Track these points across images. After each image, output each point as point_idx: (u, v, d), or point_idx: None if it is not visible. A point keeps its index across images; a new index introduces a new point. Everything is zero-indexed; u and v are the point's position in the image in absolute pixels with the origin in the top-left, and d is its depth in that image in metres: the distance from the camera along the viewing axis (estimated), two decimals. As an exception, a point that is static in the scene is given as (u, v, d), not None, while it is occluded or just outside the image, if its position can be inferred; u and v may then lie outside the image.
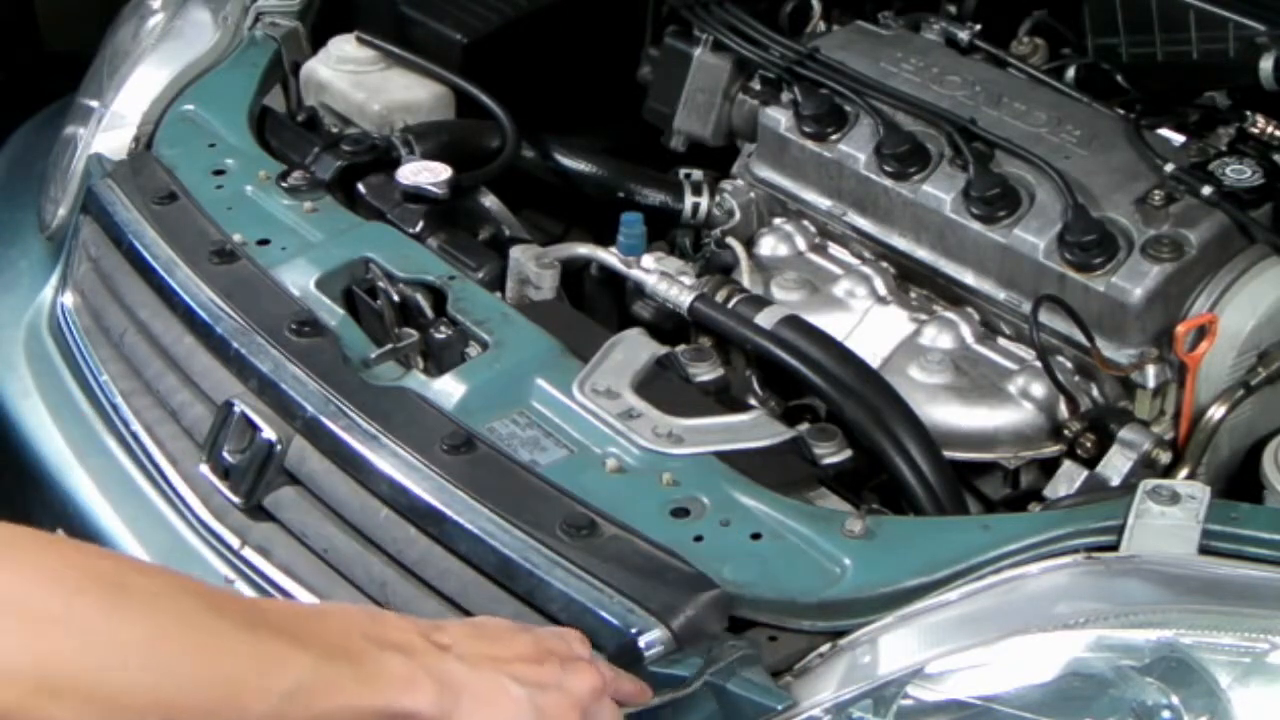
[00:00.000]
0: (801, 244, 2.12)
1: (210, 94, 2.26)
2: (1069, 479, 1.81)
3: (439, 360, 1.82)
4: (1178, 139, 2.04)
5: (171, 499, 1.89)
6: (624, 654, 1.48)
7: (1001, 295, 1.96)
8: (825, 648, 1.51)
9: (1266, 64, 2.02)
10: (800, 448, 1.72)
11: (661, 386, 1.77)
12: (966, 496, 1.79)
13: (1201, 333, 1.83)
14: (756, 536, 1.57)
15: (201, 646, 1.08)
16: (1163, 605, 1.47)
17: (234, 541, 1.81)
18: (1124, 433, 1.80)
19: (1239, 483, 1.84)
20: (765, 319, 1.89)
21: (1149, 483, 1.57)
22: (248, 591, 1.79)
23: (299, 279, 1.91)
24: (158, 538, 1.89)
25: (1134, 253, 1.87)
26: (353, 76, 2.32)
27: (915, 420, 1.77)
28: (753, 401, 1.86)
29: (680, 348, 1.84)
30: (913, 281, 2.05)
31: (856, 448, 1.74)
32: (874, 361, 1.90)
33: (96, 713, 1.04)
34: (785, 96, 2.17)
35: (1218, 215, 1.89)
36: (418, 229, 2.02)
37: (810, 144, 2.12)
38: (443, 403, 1.73)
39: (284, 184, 2.06)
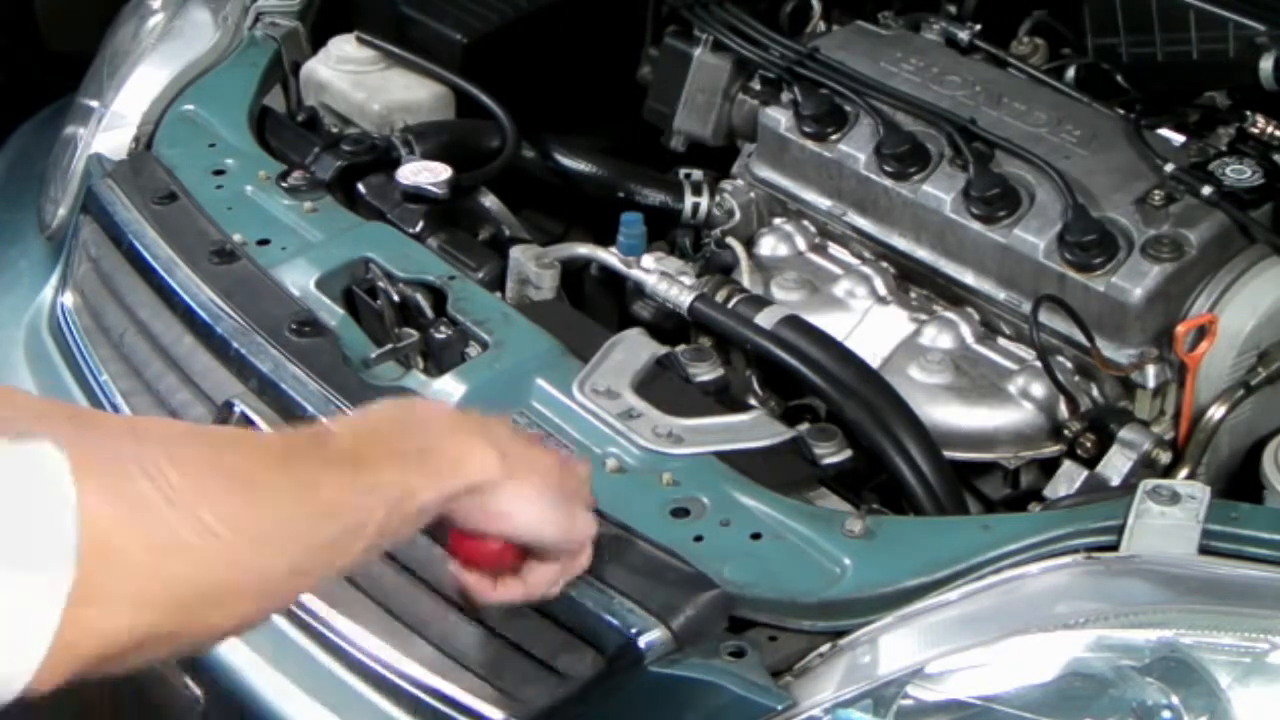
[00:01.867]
0: (801, 244, 2.12)
1: (210, 94, 2.26)
2: (1069, 479, 1.81)
3: (439, 360, 1.82)
4: (1178, 139, 2.04)
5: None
6: (624, 654, 1.48)
7: (1001, 295, 1.96)
8: (825, 648, 1.51)
9: (1266, 64, 2.02)
10: (800, 448, 1.72)
11: (661, 386, 1.77)
12: (966, 496, 1.79)
13: (1201, 333, 1.83)
14: (756, 536, 1.57)
15: (323, 508, 1.15)
16: (1163, 605, 1.47)
17: (234, 541, 1.81)
18: (1124, 433, 1.80)
19: (1239, 483, 1.83)
20: (765, 319, 1.89)
21: (1149, 483, 1.56)
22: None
23: (299, 279, 1.91)
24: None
25: (1134, 253, 1.87)
26: (353, 76, 2.32)
27: (915, 420, 1.77)
28: (753, 401, 1.86)
29: (680, 348, 1.84)
30: (913, 281, 2.05)
31: (856, 448, 1.74)
32: (874, 361, 1.90)
33: (252, 602, 1.11)
34: (785, 96, 2.17)
35: (1218, 215, 1.89)
36: (418, 229, 2.02)
37: (810, 144, 2.12)
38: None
39: (284, 184, 2.06)
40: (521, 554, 1.39)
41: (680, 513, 1.60)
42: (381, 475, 1.20)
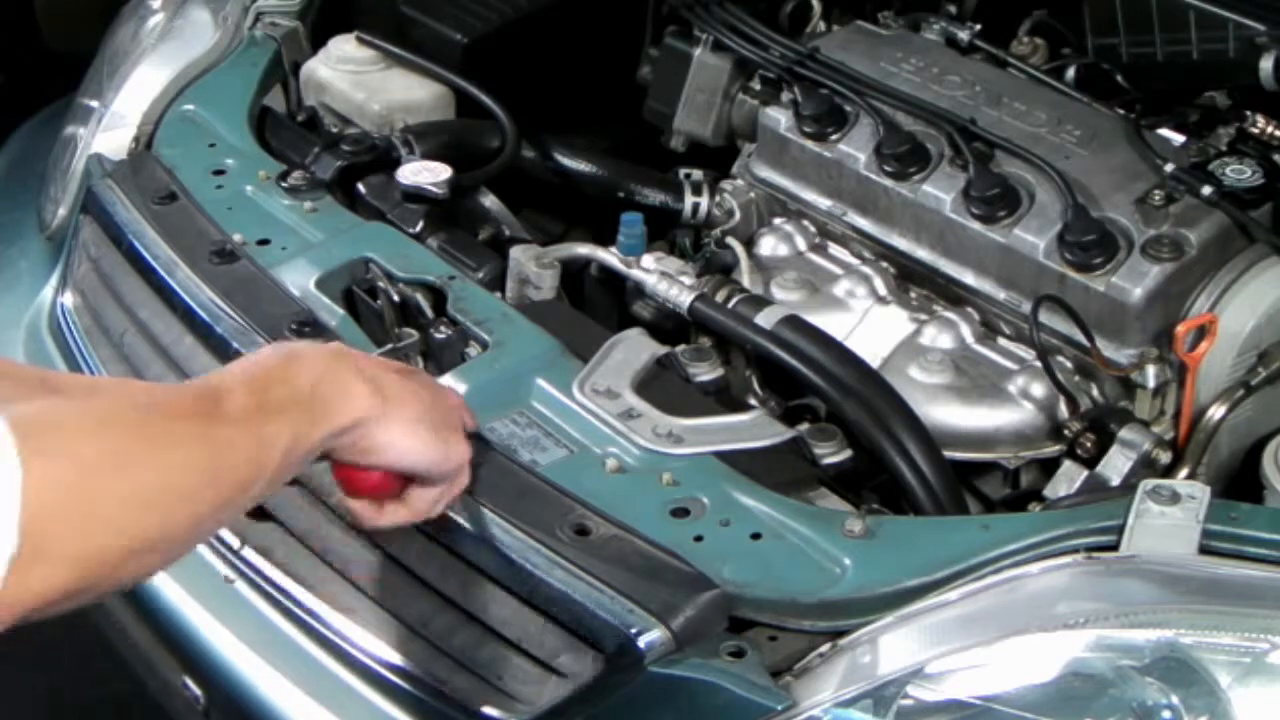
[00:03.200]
0: (801, 244, 2.12)
1: (210, 94, 2.26)
2: (1069, 479, 1.81)
3: (439, 360, 1.82)
4: (1178, 139, 2.04)
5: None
6: (624, 654, 1.48)
7: (1001, 295, 1.96)
8: (825, 648, 1.51)
9: (1266, 64, 2.02)
10: (800, 448, 1.72)
11: (661, 386, 1.77)
12: (966, 496, 1.79)
13: (1201, 333, 1.83)
14: (756, 536, 1.57)
15: (226, 464, 1.24)
16: (1163, 605, 1.47)
17: (234, 541, 1.81)
18: (1124, 433, 1.80)
19: (1239, 483, 1.83)
20: (765, 319, 1.89)
21: (1149, 483, 1.56)
22: (249, 593, 1.79)
23: (299, 279, 1.91)
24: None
25: (1134, 253, 1.87)
26: (353, 76, 2.32)
27: (915, 420, 1.77)
28: (753, 401, 1.86)
29: (680, 348, 1.84)
30: (913, 281, 2.05)
31: (856, 448, 1.74)
32: (874, 361, 1.90)
33: (162, 551, 1.20)
34: (785, 96, 2.17)
35: (1218, 215, 1.89)
36: (418, 229, 2.02)
37: (810, 144, 2.12)
38: (443, 403, 1.73)
39: (284, 184, 2.06)
40: (403, 480, 1.48)
41: (680, 513, 1.60)
42: (277, 426, 1.29)
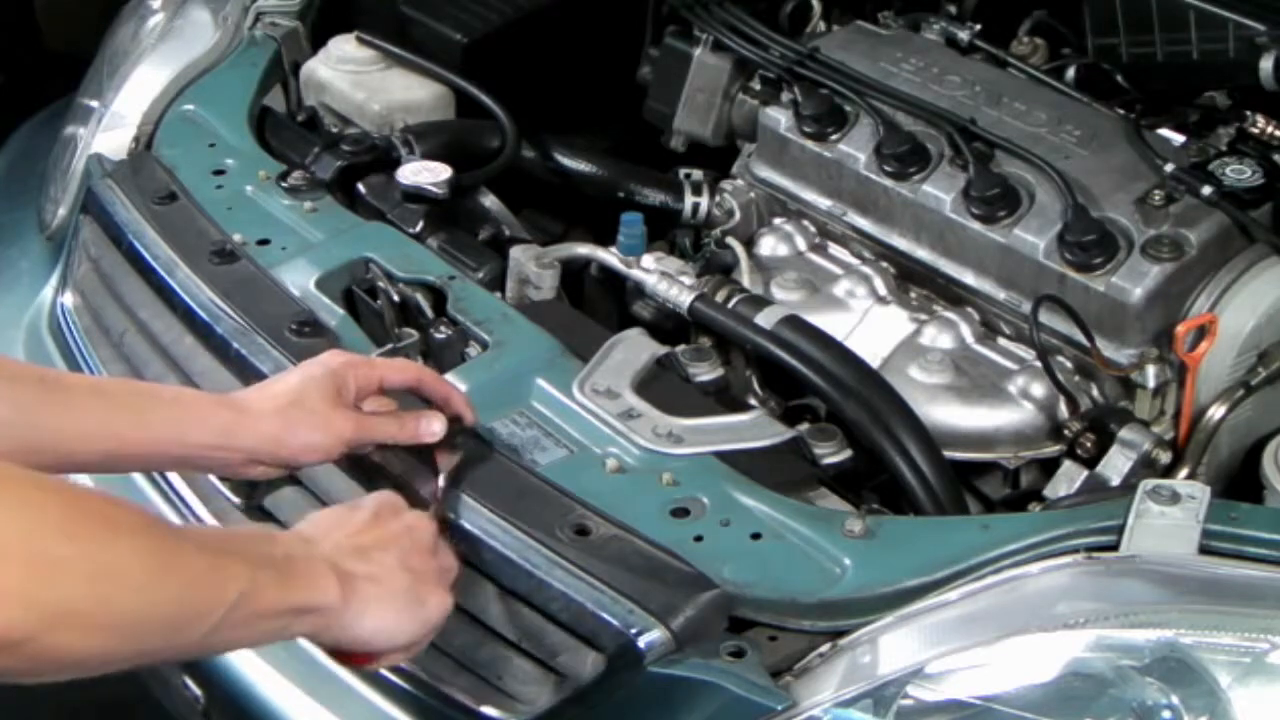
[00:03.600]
0: (801, 244, 2.12)
1: (210, 94, 2.26)
2: (1069, 479, 1.81)
3: (439, 360, 1.82)
4: (1178, 139, 2.04)
5: (172, 500, 1.89)
6: (624, 654, 1.48)
7: (1001, 295, 1.96)
8: (825, 648, 1.51)
9: (1266, 64, 2.02)
10: (800, 448, 1.72)
11: (661, 386, 1.77)
12: (966, 496, 1.79)
13: (1201, 333, 1.83)
14: (756, 536, 1.57)
15: (176, 568, 1.20)
16: (1163, 605, 1.47)
17: (234, 541, 1.81)
18: (1124, 433, 1.80)
19: (1239, 483, 1.83)
20: (765, 319, 1.89)
21: (1149, 483, 1.56)
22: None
23: (299, 279, 1.91)
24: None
25: (1134, 253, 1.87)
26: (353, 76, 2.32)
27: (915, 420, 1.77)
28: (753, 401, 1.86)
29: (680, 348, 1.84)
30: (913, 281, 2.05)
31: (856, 448, 1.74)
32: (874, 361, 1.90)
33: (100, 637, 1.16)
34: (785, 96, 2.17)
35: (1218, 215, 1.89)
36: (418, 229, 2.02)
37: (810, 144, 2.12)
38: (443, 403, 1.73)
39: (284, 184, 2.06)
40: None
41: (680, 513, 1.60)
42: (238, 567, 1.25)
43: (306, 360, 1.58)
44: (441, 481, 1.59)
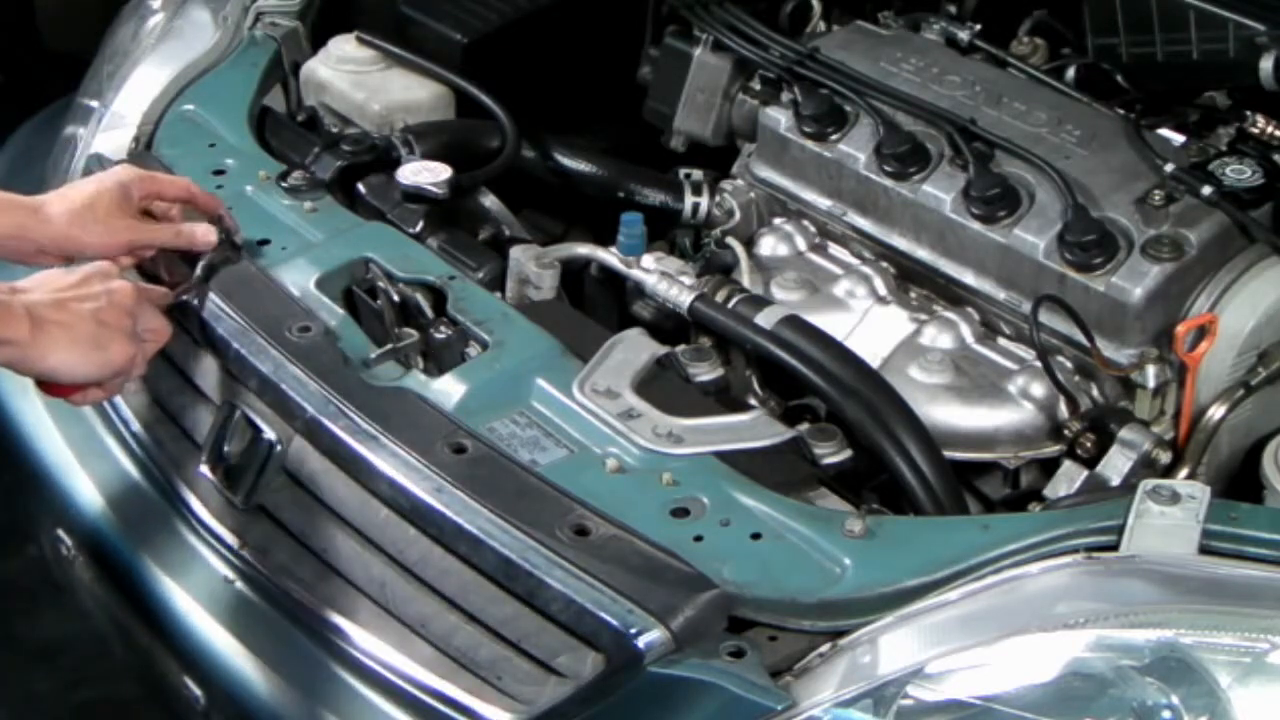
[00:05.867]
0: (801, 244, 2.12)
1: (210, 94, 2.26)
2: (1069, 479, 1.81)
3: (439, 360, 1.82)
4: (1178, 139, 2.04)
5: (172, 499, 1.89)
6: (624, 654, 1.48)
7: (1001, 295, 1.96)
8: (825, 648, 1.51)
9: (1266, 64, 2.02)
10: (800, 448, 1.72)
11: (661, 386, 1.77)
12: (966, 496, 1.79)
13: (1201, 333, 1.83)
14: (756, 536, 1.57)
15: None
16: (1163, 605, 1.47)
17: (234, 541, 1.81)
18: (1124, 433, 1.80)
19: (1239, 483, 1.84)
20: (765, 319, 1.89)
21: (1149, 483, 1.57)
22: (249, 593, 1.80)
23: (299, 279, 1.91)
24: (158, 538, 1.90)
25: (1134, 253, 1.87)
26: (353, 76, 2.32)
27: (915, 420, 1.77)
28: (753, 401, 1.86)
29: (680, 348, 1.84)
30: (913, 281, 2.05)
31: (856, 448, 1.74)
32: (874, 361, 1.90)
33: None
34: (785, 96, 2.17)
35: (1218, 215, 1.89)
36: (418, 229, 2.02)
37: (810, 144, 2.12)
38: (443, 403, 1.73)
39: (284, 184, 2.06)
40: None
41: (680, 513, 1.60)
42: None
43: (101, 171, 1.84)
44: (199, 271, 1.87)
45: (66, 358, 1.66)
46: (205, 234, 1.88)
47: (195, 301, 1.85)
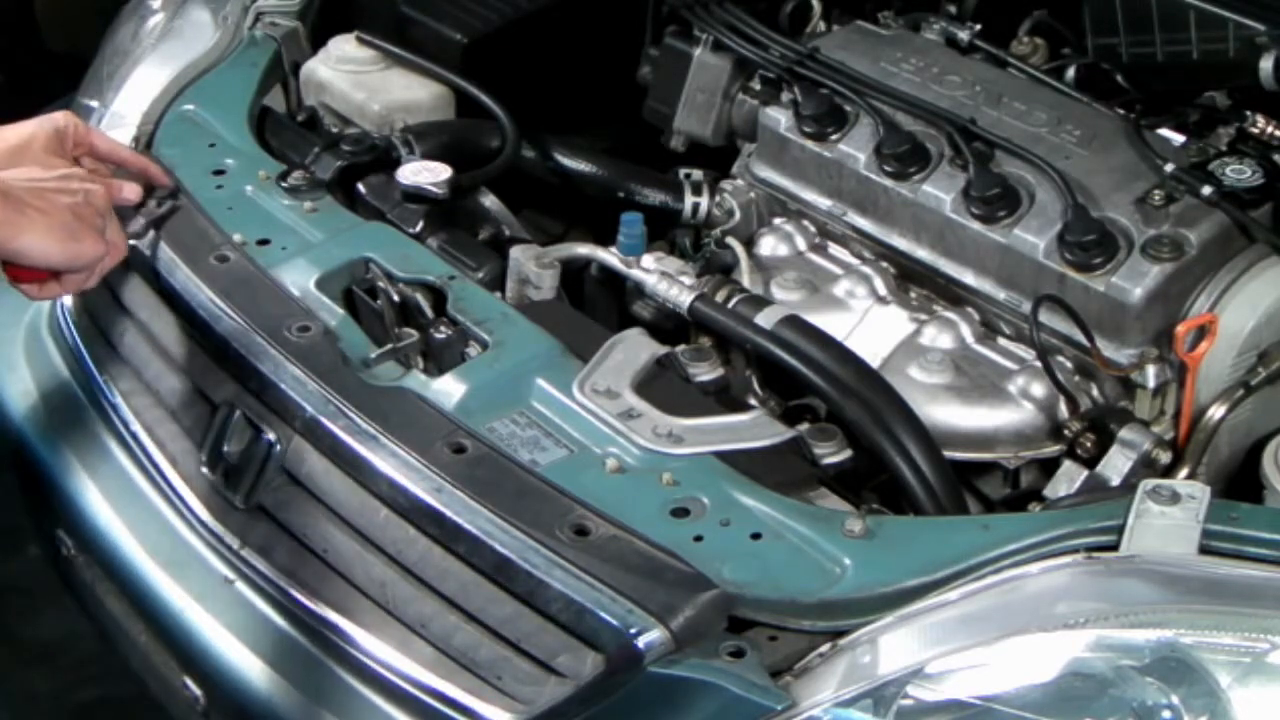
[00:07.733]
0: (801, 244, 2.12)
1: (210, 94, 2.26)
2: (1069, 479, 1.81)
3: (439, 360, 1.82)
4: (1178, 139, 2.03)
5: (171, 499, 1.89)
6: (624, 654, 1.48)
7: (1001, 295, 1.96)
8: (825, 648, 1.51)
9: (1266, 64, 2.02)
10: (800, 448, 1.72)
11: (661, 386, 1.77)
12: (966, 496, 1.79)
13: (1201, 333, 1.83)
14: (756, 536, 1.57)
15: None
16: (1163, 605, 1.47)
17: (233, 542, 1.81)
18: (1124, 433, 1.80)
19: (1239, 483, 1.84)
20: (765, 319, 1.89)
21: (1149, 483, 1.57)
22: (249, 593, 1.79)
23: (299, 279, 1.91)
24: (158, 538, 1.90)
25: (1134, 253, 1.87)
26: (353, 76, 2.32)
27: (915, 420, 1.77)
28: (753, 401, 1.86)
29: (680, 348, 1.84)
30: (913, 281, 2.06)
31: (856, 448, 1.74)
32: (874, 361, 1.90)
33: None
34: (785, 96, 2.17)
35: (1218, 215, 1.89)
36: (418, 229, 2.02)
37: (810, 144, 2.12)
38: (442, 403, 1.73)
39: (284, 184, 2.06)
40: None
41: (680, 513, 1.60)
42: None
43: (41, 115, 1.85)
44: (141, 219, 1.94)
45: (39, 240, 1.69)
46: (130, 190, 1.91)
47: (148, 251, 1.95)
